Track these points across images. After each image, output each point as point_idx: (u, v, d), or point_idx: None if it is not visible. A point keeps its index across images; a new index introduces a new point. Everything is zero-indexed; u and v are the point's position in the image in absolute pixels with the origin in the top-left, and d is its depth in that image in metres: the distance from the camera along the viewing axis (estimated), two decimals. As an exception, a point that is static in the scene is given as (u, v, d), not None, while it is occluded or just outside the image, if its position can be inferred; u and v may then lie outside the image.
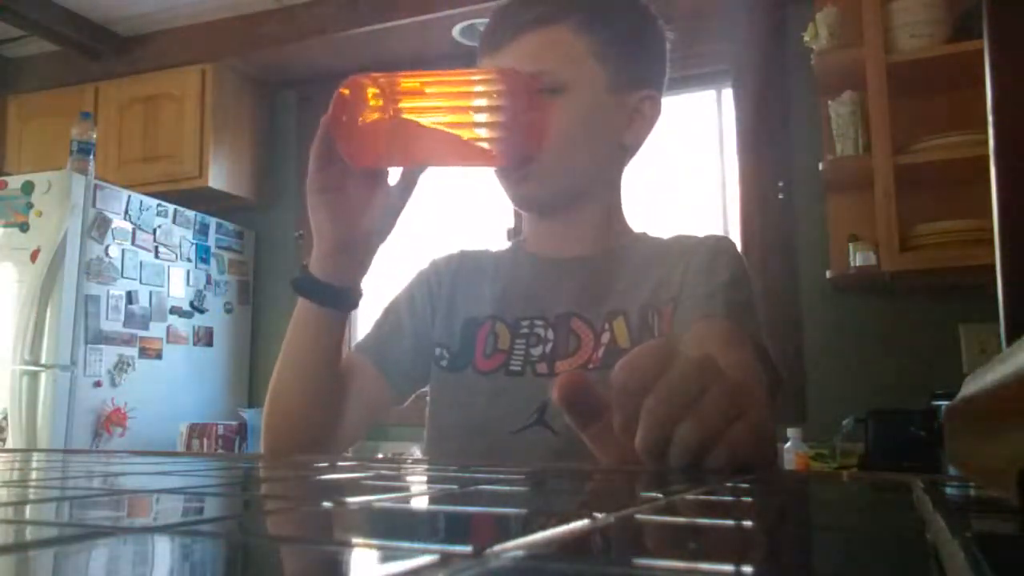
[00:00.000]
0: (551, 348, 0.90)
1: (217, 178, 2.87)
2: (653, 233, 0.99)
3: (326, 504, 0.30)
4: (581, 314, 0.90)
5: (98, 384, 2.56)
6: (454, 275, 1.00)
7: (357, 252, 0.85)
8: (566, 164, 0.90)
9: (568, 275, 0.94)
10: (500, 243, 1.07)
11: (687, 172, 2.69)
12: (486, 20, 0.98)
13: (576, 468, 0.56)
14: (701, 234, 0.95)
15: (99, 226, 2.60)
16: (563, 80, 0.87)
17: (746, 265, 0.92)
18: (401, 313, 0.99)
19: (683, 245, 0.93)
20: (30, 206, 2.64)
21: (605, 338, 0.88)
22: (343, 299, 0.86)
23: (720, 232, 2.53)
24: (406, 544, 0.20)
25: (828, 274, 2.17)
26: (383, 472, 0.46)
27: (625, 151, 0.96)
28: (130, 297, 2.67)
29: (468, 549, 0.18)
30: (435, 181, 2.86)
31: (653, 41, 0.94)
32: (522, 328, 0.92)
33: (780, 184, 2.41)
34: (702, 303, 0.85)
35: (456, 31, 2.66)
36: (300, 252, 3.02)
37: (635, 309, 0.88)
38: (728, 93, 2.59)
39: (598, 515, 0.25)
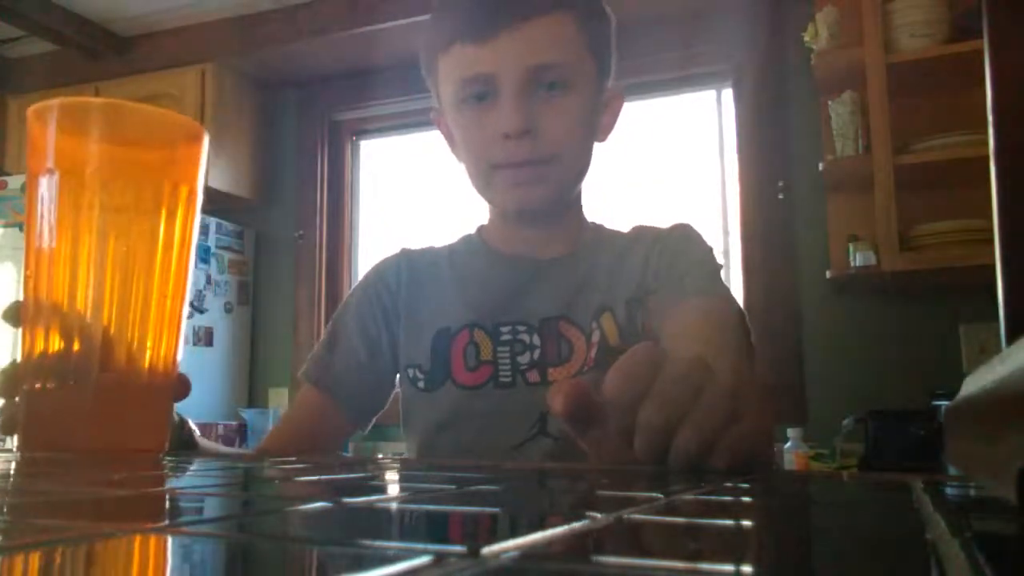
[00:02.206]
0: (539, 354, 0.86)
1: (217, 178, 2.87)
2: (609, 226, 0.96)
3: (325, 504, 0.30)
4: (568, 316, 0.87)
5: (98, 384, 2.55)
6: (408, 282, 0.93)
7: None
8: (578, 165, 0.88)
9: (546, 276, 0.89)
10: (445, 238, 0.99)
11: (687, 172, 2.69)
12: None
13: (574, 468, 0.56)
14: (664, 225, 0.93)
15: (99, 226, 2.60)
16: (571, 75, 0.83)
17: (710, 245, 0.91)
18: (353, 341, 0.92)
19: (652, 236, 0.90)
20: (30, 206, 2.64)
21: (595, 337, 0.85)
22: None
23: (718, 230, 2.53)
24: (402, 544, 0.20)
25: (828, 274, 2.17)
26: (383, 472, 0.46)
27: None
28: (130, 297, 2.67)
29: (464, 549, 0.18)
30: (422, 181, 2.87)
31: (613, 36, 0.91)
32: (503, 335, 0.87)
33: (780, 184, 2.41)
34: (677, 289, 0.83)
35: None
36: (300, 252, 3.02)
37: (620, 304, 0.86)
38: (728, 93, 2.59)
39: (596, 515, 0.24)
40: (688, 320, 0.79)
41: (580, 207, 0.94)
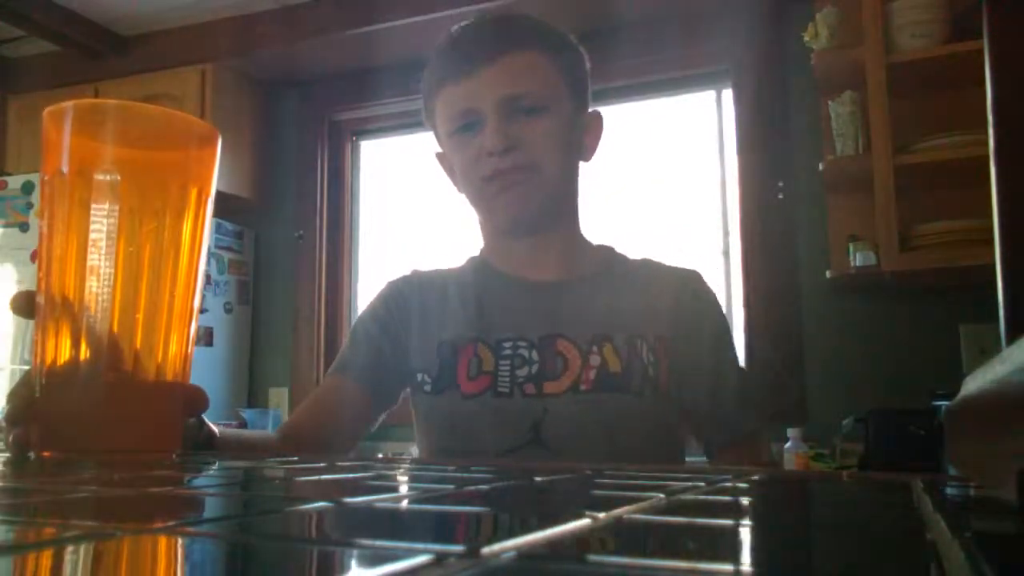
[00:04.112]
0: (537, 369, 0.93)
1: (217, 178, 2.87)
2: (619, 249, 1.05)
3: (325, 504, 0.30)
4: (565, 335, 0.94)
5: (98, 384, 2.55)
6: (420, 296, 1.01)
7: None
8: (558, 176, 0.96)
9: (546, 297, 0.97)
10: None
11: (687, 172, 2.69)
12: None
13: (575, 469, 0.56)
14: (669, 262, 1.03)
15: (99, 226, 2.59)
16: (545, 100, 0.94)
17: (716, 298, 1.02)
18: (376, 338, 1.00)
19: (662, 282, 1.00)
20: (30, 206, 2.64)
21: (595, 360, 0.92)
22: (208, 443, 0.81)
23: (718, 230, 2.53)
24: (401, 544, 0.20)
25: (828, 274, 2.17)
26: (383, 472, 0.46)
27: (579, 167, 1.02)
28: (130, 297, 2.67)
29: (464, 549, 0.18)
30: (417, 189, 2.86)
31: (587, 68, 1.02)
32: (504, 349, 0.95)
33: (780, 184, 2.41)
34: (695, 361, 0.97)
35: (455, 31, 2.66)
36: (300, 252, 3.02)
37: (621, 335, 0.94)
38: (728, 93, 2.59)
39: (596, 515, 0.24)
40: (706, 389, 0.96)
41: (576, 229, 1.03)
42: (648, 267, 1.03)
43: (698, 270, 1.03)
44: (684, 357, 0.96)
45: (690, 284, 1.01)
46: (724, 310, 1.04)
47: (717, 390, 0.98)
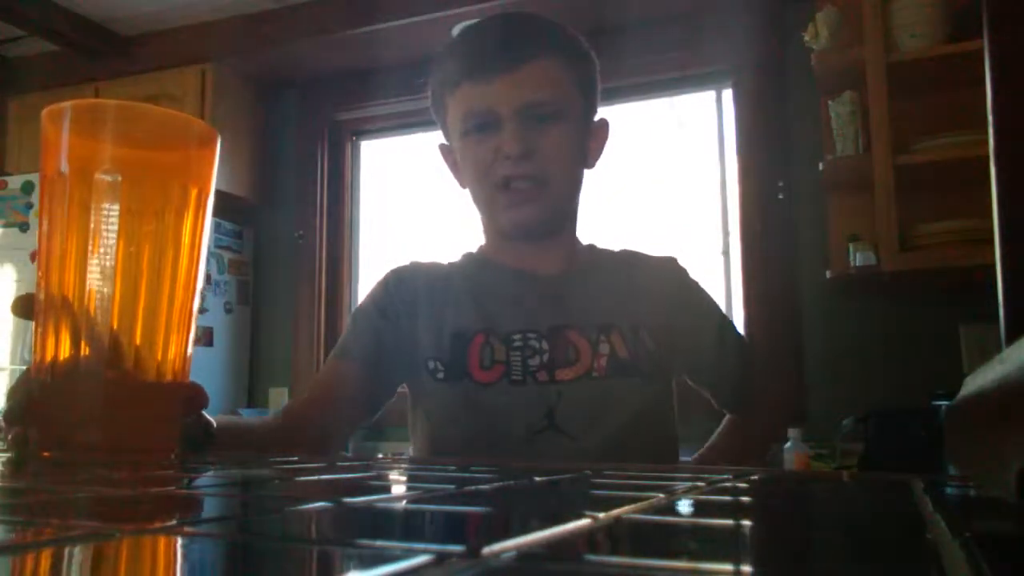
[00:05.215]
0: (548, 358, 0.95)
1: (217, 178, 2.87)
2: (600, 245, 1.09)
3: (325, 504, 0.30)
4: (573, 325, 0.97)
5: (98, 384, 2.55)
6: (425, 285, 1.02)
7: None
8: (568, 185, 1.00)
9: (550, 290, 1.00)
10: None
11: (687, 172, 2.68)
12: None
13: (577, 468, 0.56)
14: (646, 251, 1.08)
15: (99, 226, 2.59)
16: (561, 109, 0.96)
17: (695, 278, 1.08)
18: (376, 323, 1.00)
19: (649, 271, 1.05)
20: (30, 206, 2.65)
21: (604, 348, 0.95)
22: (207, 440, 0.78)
23: (718, 230, 2.53)
24: (401, 544, 0.20)
25: (828, 274, 2.16)
26: (383, 472, 0.46)
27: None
28: (130, 297, 2.66)
29: (464, 549, 0.18)
30: (418, 190, 2.86)
31: (597, 75, 1.04)
32: (515, 340, 0.96)
33: (780, 184, 2.41)
34: (699, 349, 1.04)
35: (456, 31, 2.66)
36: (300, 252, 3.01)
37: (625, 324, 0.97)
38: (728, 93, 2.59)
39: (596, 515, 0.24)
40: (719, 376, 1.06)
41: (574, 229, 1.05)
42: (632, 258, 1.07)
43: (674, 256, 1.09)
44: (684, 339, 1.02)
45: (673, 270, 1.07)
46: (711, 296, 1.10)
47: (720, 366, 1.06)
